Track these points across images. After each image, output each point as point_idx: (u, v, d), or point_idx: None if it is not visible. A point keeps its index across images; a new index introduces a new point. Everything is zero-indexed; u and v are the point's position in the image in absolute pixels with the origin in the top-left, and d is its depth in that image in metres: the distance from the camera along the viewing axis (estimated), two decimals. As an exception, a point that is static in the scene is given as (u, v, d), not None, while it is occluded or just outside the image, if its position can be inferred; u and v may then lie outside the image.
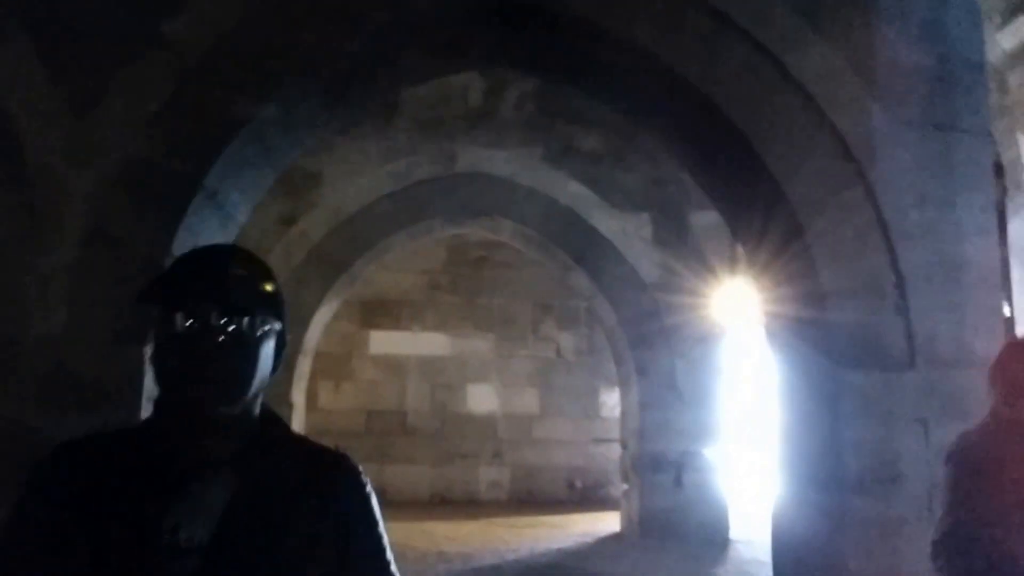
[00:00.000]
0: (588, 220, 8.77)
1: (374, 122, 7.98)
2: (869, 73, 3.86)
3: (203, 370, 1.25)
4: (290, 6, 3.83)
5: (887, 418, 3.72)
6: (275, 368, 1.37)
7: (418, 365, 12.13)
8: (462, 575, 7.32)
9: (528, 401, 12.28)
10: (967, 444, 2.63)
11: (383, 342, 12.07)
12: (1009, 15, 7.46)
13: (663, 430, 8.66)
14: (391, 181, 8.52)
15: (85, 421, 3.32)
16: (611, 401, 11.48)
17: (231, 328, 1.27)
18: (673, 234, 8.81)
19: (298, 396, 8.85)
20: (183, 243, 3.78)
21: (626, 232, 8.77)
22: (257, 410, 1.37)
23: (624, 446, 9.48)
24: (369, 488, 1.40)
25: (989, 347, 3.41)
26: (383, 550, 1.39)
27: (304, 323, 8.49)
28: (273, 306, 1.36)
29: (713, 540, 8.44)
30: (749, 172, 4.05)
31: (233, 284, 1.30)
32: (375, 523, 1.39)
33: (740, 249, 4.87)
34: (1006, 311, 4.91)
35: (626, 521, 9.33)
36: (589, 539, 9.22)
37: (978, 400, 2.95)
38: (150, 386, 3.62)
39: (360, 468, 1.42)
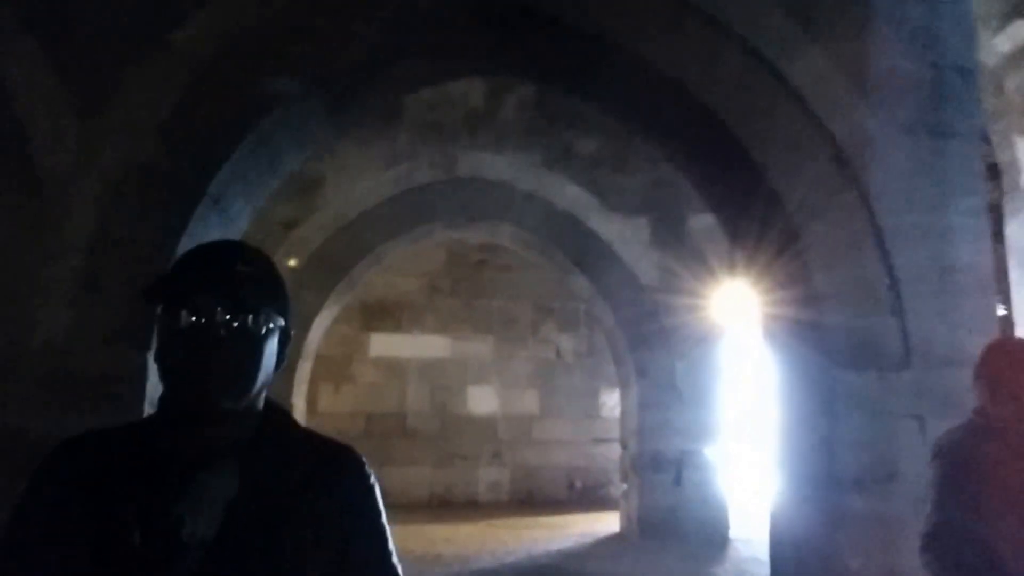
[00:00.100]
0: (587, 223, 8.81)
1: (375, 127, 8.01)
2: (863, 79, 3.91)
3: (208, 366, 1.25)
4: (294, 15, 3.88)
5: (884, 417, 3.77)
6: (279, 364, 1.37)
7: (418, 367, 12.14)
8: None
9: (528, 402, 12.30)
10: (953, 441, 2.69)
11: (383, 345, 12.08)
12: (1006, 19, 7.50)
13: (663, 430, 8.69)
14: (392, 185, 8.55)
15: (88, 423, 3.33)
16: (611, 401, 11.50)
17: (236, 324, 1.27)
18: (672, 236, 8.84)
19: (299, 399, 8.86)
20: (187, 248, 3.80)
21: (625, 235, 8.81)
22: (261, 404, 1.37)
23: (624, 446, 9.50)
24: (373, 480, 1.41)
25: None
26: (385, 541, 1.39)
27: (305, 327, 8.50)
28: (277, 302, 1.35)
29: (712, 539, 8.46)
30: (745, 177, 4.10)
31: (238, 280, 1.29)
32: (378, 515, 1.39)
33: (738, 253, 4.90)
34: (1000, 311, 4.94)
35: (625, 521, 9.34)
36: (588, 539, 9.21)
37: (972, 398, 3.00)
38: (152, 389, 3.66)
39: (364, 460, 1.42)
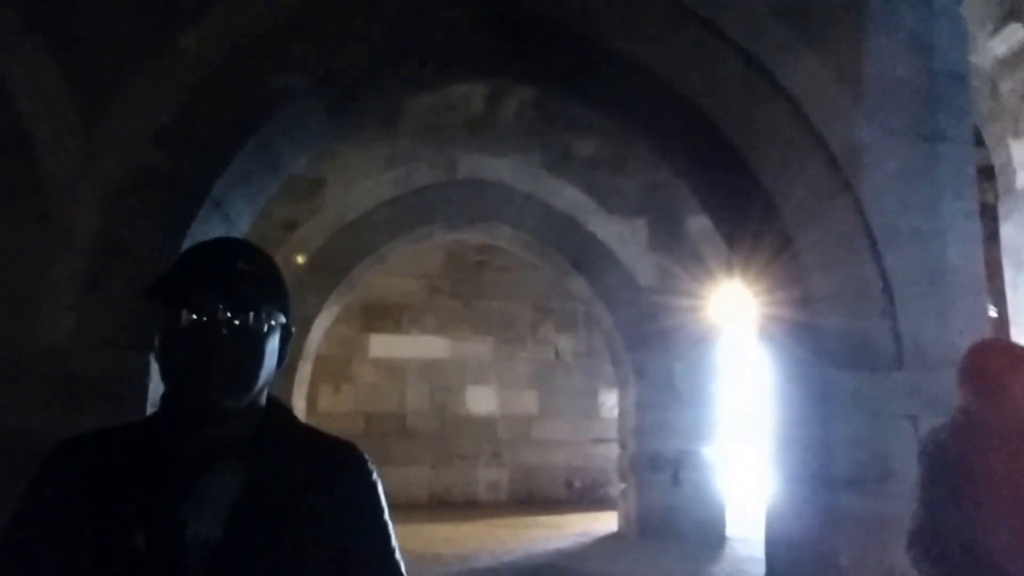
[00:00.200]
0: (585, 225, 8.84)
1: (376, 129, 8.05)
2: (857, 85, 3.96)
3: (210, 365, 1.24)
4: (297, 21, 3.91)
5: (877, 417, 3.81)
6: (280, 362, 1.36)
7: (418, 368, 12.16)
8: None
9: (527, 403, 12.32)
10: (939, 440, 2.75)
11: (383, 345, 12.09)
12: (1001, 22, 7.54)
13: (661, 430, 8.72)
14: (392, 187, 8.58)
15: (91, 423, 3.36)
16: (610, 402, 11.50)
17: (237, 322, 1.26)
18: (670, 238, 8.87)
19: (299, 400, 8.87)
20: (189, 250, 3.84)
21: (623, 237, 8.84)
22: (263, 402, 1.36)
23: (622, 446, 9.51)
24: (375, 476, 1.40)
25: (974, 348, 3.51)
26: (388, 538, 1.39)
27: (305, 327, 8.51)
28: (278, 300, 1.35)
29: (710, 538, 8.49)
30: (741, 181, 4.14)
31: (239, 278, 1.29)
32: (381, 512, 1.39)
33: (735, 255, 4.95)
34: (992, 313, 5.00)
35: (624, 520, 9.36)
36: (587, 539, 9.23)
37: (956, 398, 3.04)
38: (155, 390, 3.67)
39: (366, 456, 1.42)
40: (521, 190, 8.80)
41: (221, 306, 1.25)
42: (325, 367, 11.06)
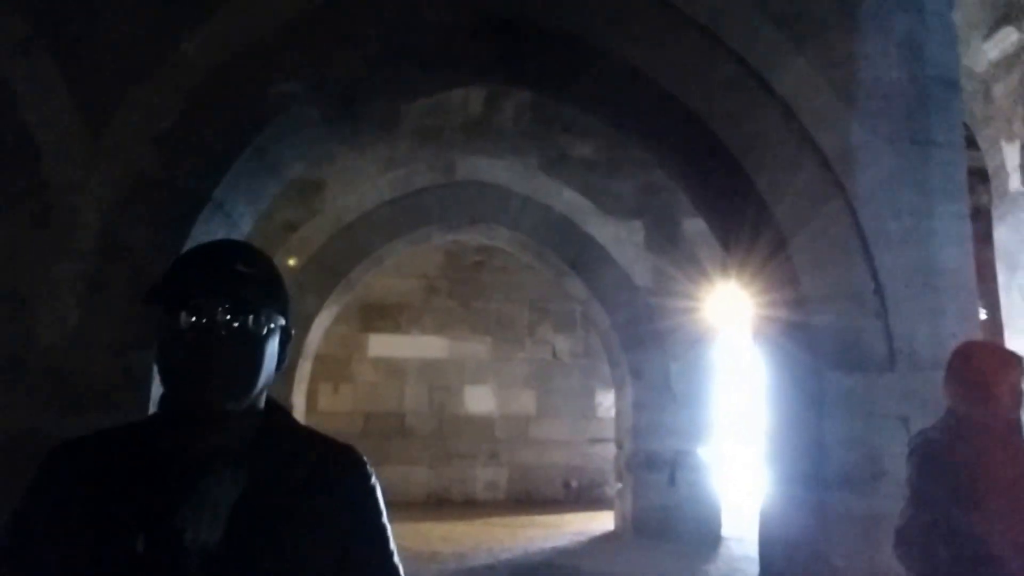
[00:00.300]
0: (582, 227, 8.88)
1: (375, 132, 8.09)
2: (849, 90, 4.01)
3: (209, 367, 1.23)
4: (296, 29, 3.96)
5: (870, 417, 3.84)
6: (280, 364, 1.36)
7: (416, 367, 12.21)
8: (455, 575, 7.34)
9: (525, 402, 12.36)
10: (928, 440, 2.81)
11: (382, 345, 12.14)
12: (995, 25, 7.59)
13: (657, 430, 8.74)
14: (391, 189, 8.63)
15: (94, 423, 3.38)
16: (607, 402, 11.52)
17: (237, 324, 1.25)
18: (666, 239, 8.91)
19: (299, 399, 8.89)
20: (191, 252, 3.88)
21: (620, 238, 8.88)
22: (262, 404, 1.35)
23: (619, 446, 9.55)
24: (374, 480, 1.39)
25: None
26: (387, 540, 1.38)
27: (305, 327, 8.55)
28: (278, 302, 1.34)
29: (706, 538, 8.51)
30: (735, 184, 4.18)
31: (239, 280, 1.28)
32: (379, 514, 1.38)
33: (730, 257, 4.99)
34: (982, 315, 5.05)
35: (620, 520, 9.39)
36: (583, 538, 9.26)
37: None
38: (156, 392, 3.69)
39: (365, 459, 1.41)
40: (519, 192, 8.84)
41: (221, 308, 1.24)
42: (324, 366, 11.09)
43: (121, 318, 3.71)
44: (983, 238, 8.09)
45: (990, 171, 7.95)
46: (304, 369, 9.12)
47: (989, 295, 8.10)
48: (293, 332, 1.40)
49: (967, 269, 4.04)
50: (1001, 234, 7.84)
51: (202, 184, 3.98)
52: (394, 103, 5.73)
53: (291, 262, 8.09)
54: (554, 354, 12.51)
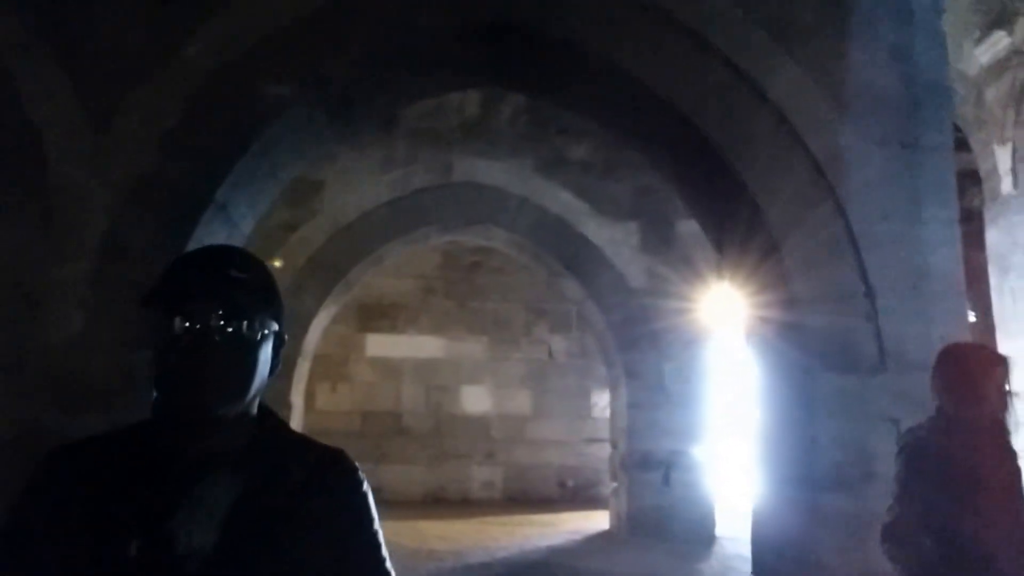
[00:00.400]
0: (578, 228, 8.92)
1: (374, 133, 8.12)
2: (840, 95, 4.07)
3: (203, 373, 1.23)
4: (296, 33, 4.01)
5: (860, 418, 3.89)
6: (273, 370, 1.35)
7: (413, 367, 12.26)
8: (452, 573, 7.37)
9: (521, 402, 12.40)
10: (916, 438, 2.87)
11: (379, 345, 12.20)
12: (987, 30, 7.64)
13: (651, 430, 8.78)
14: (389, 190, 8.67)
15: (98, 422, 3.41)
16: (602, 402, 11.54)
17: (231, 330, 1.25)
18: (661, 241, 8.95)
19: (297, 398, 8.93)
20: (194, 253, 3.92)
21: (615, 240, 8.92)
22: (255, 410, 1.35)
23: (614, 446, 9.59)
24: (366, 486, 1.39)
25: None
26: (379, 547, 1.38)
27: (304, 327, 8.58)
28: (271, 307, 1.34)
29: (700, 537, 8.54)
30: (728, 188, 4.24)
31: (233, 286, 1.28)
32: (371, 521, 1.38)
33: (724, 258, 5.04)
34: (971, 317, 5.10)
35: (615, 519, 9.43)
36: (579, 537, 9.30)
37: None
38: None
39: (357, 466, 1.41)
40: (515, 193, 8.88)
41: (215, 313, 1.24)
42: (322, 366, 11.12)
43: (124, 318, 3.74)
44: (976, 240, 8.15)
45: (982, 174, 8.01)
46: (303, 368, 9.14)
47: (981, 297, 8.16)
48: (286, 337, 1.40)
49: (956, 272, 4.08)
50: (993, 237, 7.89)
51: (204, 185, 4.02)
52: (392, 105, 5.77)
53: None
54: (550, 354, 12.55)
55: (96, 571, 1.17)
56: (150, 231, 3.88)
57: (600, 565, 7.83)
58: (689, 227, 8.51)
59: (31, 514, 1.25)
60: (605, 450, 10.50)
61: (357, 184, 8.57)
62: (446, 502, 11.66)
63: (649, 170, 6.80)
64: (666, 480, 8.72)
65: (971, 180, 8.29)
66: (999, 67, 7.52)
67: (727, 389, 9.67)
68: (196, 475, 1.24)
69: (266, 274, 1.37)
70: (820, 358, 3.98)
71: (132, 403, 3.64)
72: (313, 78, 4.16)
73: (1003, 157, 7.65)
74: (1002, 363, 2.93)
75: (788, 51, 4.06)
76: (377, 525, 1.39)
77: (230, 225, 4.31)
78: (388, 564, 1.39)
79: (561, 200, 8.90)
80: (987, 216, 8.02)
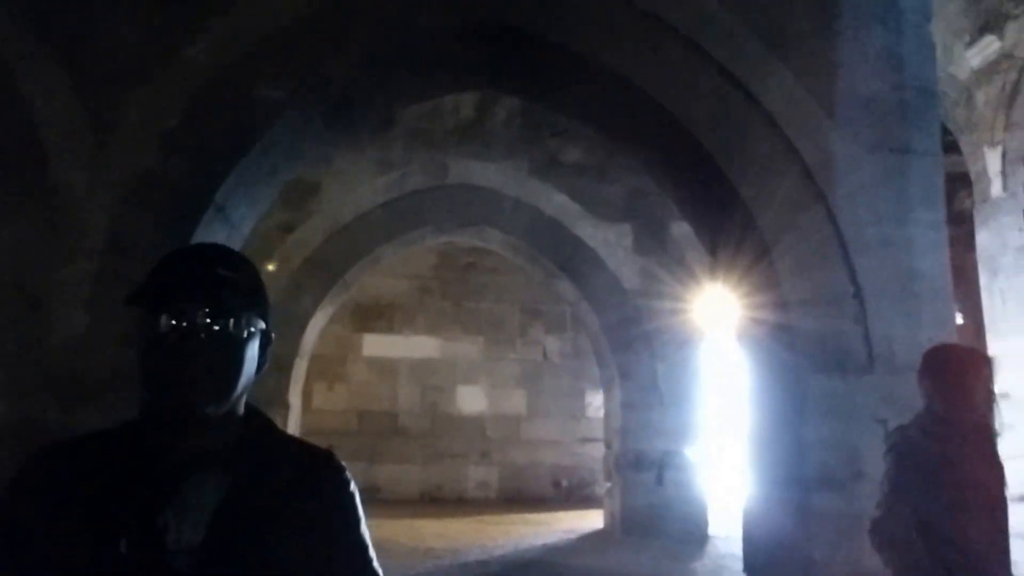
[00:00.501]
0: (572, 230, 8.94)
1: (371, 135, 8.15)
2: (830, 100, 4.12)
3: (189, 371, 1.21)
4: (296, 34, 4.06)
5: (849, 418, 3.93)
6: (260, 368, 1.34)
7: (409, 367, 12.31)
8: (450, 570, 7.36)
9: (516, 402, 12.46)
10: (905, 436, 2.92)
11: (375, 345, 12.25)
12: (977, 34, 7.72)
13: (645, 430, 8.82)
14: (385, 191, 8.70)
15: (100, 419, 3.43)
16: (596, 402, 11.54)
17: (217, 328, 1.23)
18: (654, 243, 8.97)
19: (294, 397, 8.94)
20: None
21: (608, 241, 8.95)
22: (242, 409, 1.34)
23: (608, 446, 9.62)
24: (353, 487, 1.38)
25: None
26: (366, 547, 1.38)
27: (301, 327, 8.61)
28: (258, 306, 1.32)
29: (693, 536, 8.58)
30: (720, 191, 4.29)
31: (220, 284, 1.26)
32: (359, 521, 1.37)
33: (716, 261, 5.08)
34: (959, 319, 5.16)
35: (609, 518, 9.47)
36: (573, 536, 9.34)
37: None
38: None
39: (345, 466, 1.40)
40: (510, 195, 8.91)
41: (201, 312, 1.23)
42: (319, 366, 11.14)
43: (128, 315, 3.75)
44: (966, 242, 8.22)
45: (973, 176, 8.09)
46: (300, 368, 9.15)
47: (971, 298, 8.23)
48: (273, 336, 1.38)
49: (944, 275, 4.13)
50: (983, 238, 7.97)
51: (204, 186, 4.06)
52: (391, 106, 5.81)
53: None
54: (544, 355, 12.61)
55: (86, 569, 1.17)
56: (150, 231, 3.91)
57: (594, 564, 7.87)
58: (682, 229, 8.53)
59: (19, 512, 1.24)
60: (599, 450, 10.52)
61: (353, 185, 8.59)
62: (442, 501, 11.69)
63: (642, 173, 6.85)
64: (659, 480, 8.75)
65: (962, 182, 8.37)
66: (989, 70, 7.60)
67: (720, 390, 9.71)
68: (184, 473, 1.24)
69: (253, 273, 1.37)
70: (810, 359, 4.02)
71: (132, 402, 3.67)
72: (313, 78, 4.21)
73: (993, 160, 7.73)
74: (988, 364, 3.00)
75: (781, 57, 4.12)
76: (364, 526, 1.39)
77: (229, 226, 4.35)
78: (375, 564, 1.39)
79: (555, 202, 8.93)
80: (977, 218, 8.09)
